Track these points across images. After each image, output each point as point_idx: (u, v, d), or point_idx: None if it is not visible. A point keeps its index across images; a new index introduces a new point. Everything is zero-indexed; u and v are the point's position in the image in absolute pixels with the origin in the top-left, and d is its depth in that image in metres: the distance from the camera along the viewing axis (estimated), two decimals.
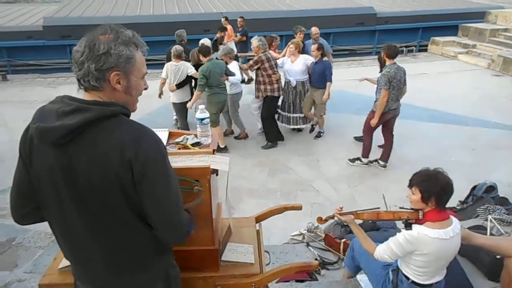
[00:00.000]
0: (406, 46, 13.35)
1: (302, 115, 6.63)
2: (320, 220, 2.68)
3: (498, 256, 2.77)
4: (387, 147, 5.74)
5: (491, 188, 4.26)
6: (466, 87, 9.34)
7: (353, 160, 5.86)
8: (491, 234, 3.44)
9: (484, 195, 4.18)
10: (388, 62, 5.41)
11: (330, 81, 6.22)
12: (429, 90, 9.10)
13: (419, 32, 14.27)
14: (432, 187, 2.22)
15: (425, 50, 13.53)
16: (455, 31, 13.51)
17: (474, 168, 5.56)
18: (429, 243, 2.20)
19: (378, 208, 2.54)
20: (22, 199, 1.42)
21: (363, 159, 5.80)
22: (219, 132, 6.14)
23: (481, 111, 7.73)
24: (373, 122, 5.40)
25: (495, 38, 12.26)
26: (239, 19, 9.30)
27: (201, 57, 5.82)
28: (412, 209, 2.36)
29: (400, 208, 2.43)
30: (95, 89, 1.31)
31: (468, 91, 9.01)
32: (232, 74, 6.04)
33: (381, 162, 5.76)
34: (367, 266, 2.77)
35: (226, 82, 6.01)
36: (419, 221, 2.28)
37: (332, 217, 2.63)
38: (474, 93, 8.88)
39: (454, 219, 2.31)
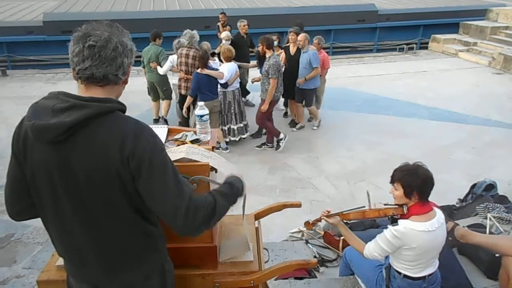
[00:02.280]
0: (407, 44, 13.31)
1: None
2: (307, 224, 2.72)
3: (496, 255, 2.77)
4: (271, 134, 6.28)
5: (491, 186, 4.26)
6: (467, 85, 9.33)
7: (260, 146, 6.26)
8: (490, 233, 3.44)
9: (484, 193, 4.18)
10: (268, 53, 5.80)
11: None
12: (430, 88, 9.09)
13: (420, 30, 14.21)
14: (413, 181, 2.26)
15: (426, 48, 13.50)
16: (456, 28, 13.47)
17: (474, 166, 5.57)
18: (416, 236, 2.23)
19: (364, 207, 2.55)
20: (15, 195, 1.42)
21: (268, 144, 6.26)
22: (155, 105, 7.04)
23: (482, 109, 7.73)
24: (264, 107, 5.92)
25: (496, 36, 12.22)
26: (220, 15, 9.04)
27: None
28: (396, 204, 2.39)
29: (385, 204, 2.47)
30: (117, 81, 1.34)
31: (469, 89, 9.00)
32: (161, 66, 6.43)
33: (269, 144, 6.28)
34: (360, 271, 2.80)
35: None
36: (404, 216, 2.32)
37: (320, 220, 2.65)
38: (475, 91, 8.87)
39: (437, 210, 2.35)
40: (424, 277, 2.37)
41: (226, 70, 5.84)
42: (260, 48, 5.95)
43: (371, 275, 2.65)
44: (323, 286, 3.06)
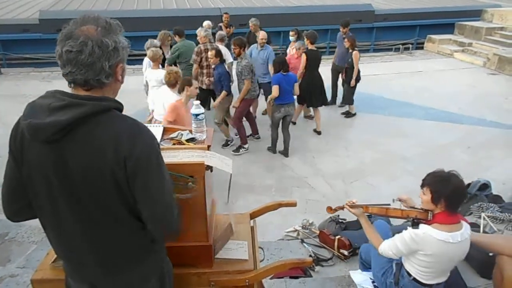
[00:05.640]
0: (402, 44, 13.35)
1: None
2: (329, 209, 2.73)
3: (490, 254, 2.79)
4: (254, 126, 6.50)
5: (485, 186, 4.29)
6: (462, 85, 9.37)
7: (237, 150, 6.13)
8: (484, 232, 3.47)
9: (478, 193, 4.21)
10: (242, 53, 5.87)
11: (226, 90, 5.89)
12: (425, 88, 9.13)
13: (416, 30, 14.27)
14: (443, 189, 2.22)
15: (422, 48, 13.55)
16: (452, 29, 13.53)
17: (469, 166, 5.59)
18: (433, 244, 2.20)
19: (389, 204, 2.57)
20: (13, 195, 1.41)
21: (245, 146, 6.17)
22: None
23: (476, 110, 7.77)
24: (235, 104, 6.02)
25: (491, 36, 12.28)
26: (224, 15, 8.92)
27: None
28: (422, 209, 2.36)
29: (411, 207, 2.45)
30: (101, 85, 1.29)
31: (464, 90, 9.05)
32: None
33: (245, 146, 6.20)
34: (374, 254, 2.75)
35: None
36: (428, 222, 2.28)
37: (342, 208, 2.68)
38: (470, 92, 8.91)
39: (464, 225, 2.31)
40: (431, 285, 2.37)
41: None
42: (234, 50, 5.90)
43: (382, 264, 2.64)
44: (318, 285, 3.07)
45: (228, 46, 8.71)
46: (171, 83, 4.66)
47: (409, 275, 2.40)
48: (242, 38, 6.07)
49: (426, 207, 2.32)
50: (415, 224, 2.32)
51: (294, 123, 6.92)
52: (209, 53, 5.81)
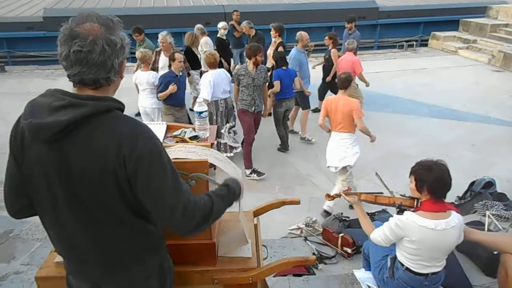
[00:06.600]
0: (406, 41, 13.29)
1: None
2: (328, 196, 2.90)
3: (495, 252, 2.78)
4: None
5: (490, 184, 4.27)
6: (466, 82, 9.32)
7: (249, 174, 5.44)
8: (489, 230, 3.45)
9: (483, 191, 4.19)
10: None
11: None
12: (429, 85, 9.09)
13: (420, 27, 14.19)
14: (426, 177, 2.29)
15: (426, 45, 13.48)
16: (456, 26, 13.45)
17: (473, 164, 5.57)
18: (416, 229, 2.25)
19: (382, 193, 2.70)
20: (14, 194, 1.41)
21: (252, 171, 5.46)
22: None
23: (481, 107, 7.73)
24: (266, 113, 5.78)
25: (496, 33, 12.20)
26: (234, 13, 8.73)
27: None
28: (410, 197, 2.47)
29: (401, 195, 2.56)
30: (109, 83, 1.29)
31: (468, 87, 9.00)
32: None
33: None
34: (372, 253, 2.83)
35: None
36: (414, 209, 2.36)
37: (339, 195, 2.81)
38: (474, 89, 8.86)
39: (453, 213, 2.34)
40: (426, 274, 2.39)
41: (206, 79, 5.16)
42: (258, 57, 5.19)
43: (378, 261, 2.70)
44: (321, 283, 3.07)
45: (238, 43, 8.66)
46: (212, 64, 5.24)
47: (402, 265, 2.44)
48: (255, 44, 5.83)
49: (413, 195, 2.42)
50: (401, 211, 2.42)
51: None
52: (177, 54, 5.30)
